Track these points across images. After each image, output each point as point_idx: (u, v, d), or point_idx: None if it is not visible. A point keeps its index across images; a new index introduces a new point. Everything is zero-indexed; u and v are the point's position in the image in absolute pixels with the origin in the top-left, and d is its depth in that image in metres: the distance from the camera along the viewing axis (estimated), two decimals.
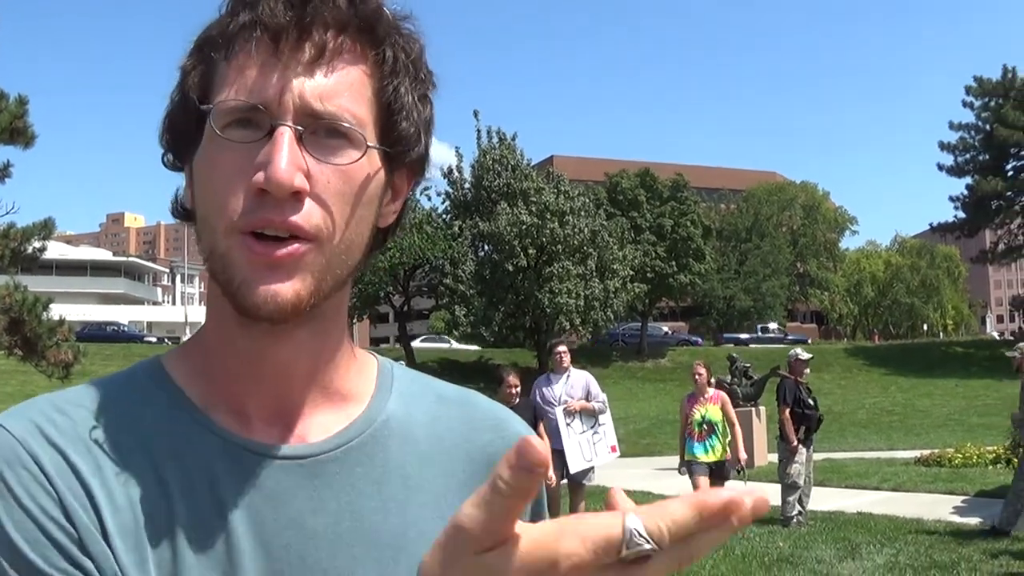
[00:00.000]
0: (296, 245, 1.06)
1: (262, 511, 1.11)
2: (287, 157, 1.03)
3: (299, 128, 1.05)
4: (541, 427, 11.45)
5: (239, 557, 1.08)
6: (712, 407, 12.73)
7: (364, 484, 1.17)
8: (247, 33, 1.08)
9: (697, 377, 12.93)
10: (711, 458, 12.58)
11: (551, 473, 11.01)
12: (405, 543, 1.16)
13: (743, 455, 12.98)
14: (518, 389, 11.44)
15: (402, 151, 1.16)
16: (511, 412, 1.36)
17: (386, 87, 1.13)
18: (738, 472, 12.79)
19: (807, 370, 14.25)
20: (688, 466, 12.83)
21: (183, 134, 1.13)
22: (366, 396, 1.24)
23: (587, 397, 12.52)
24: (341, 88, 1.09)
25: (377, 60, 1.12)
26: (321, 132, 1.07)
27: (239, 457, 1.13)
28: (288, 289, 1.06)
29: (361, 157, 1.09)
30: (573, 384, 12.52)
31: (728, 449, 12.74)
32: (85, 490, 1.05)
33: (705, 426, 12.62)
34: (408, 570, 1.14)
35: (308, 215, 1.06)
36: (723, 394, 13.13)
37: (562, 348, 12.84)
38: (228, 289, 1.08)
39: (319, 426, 1.18)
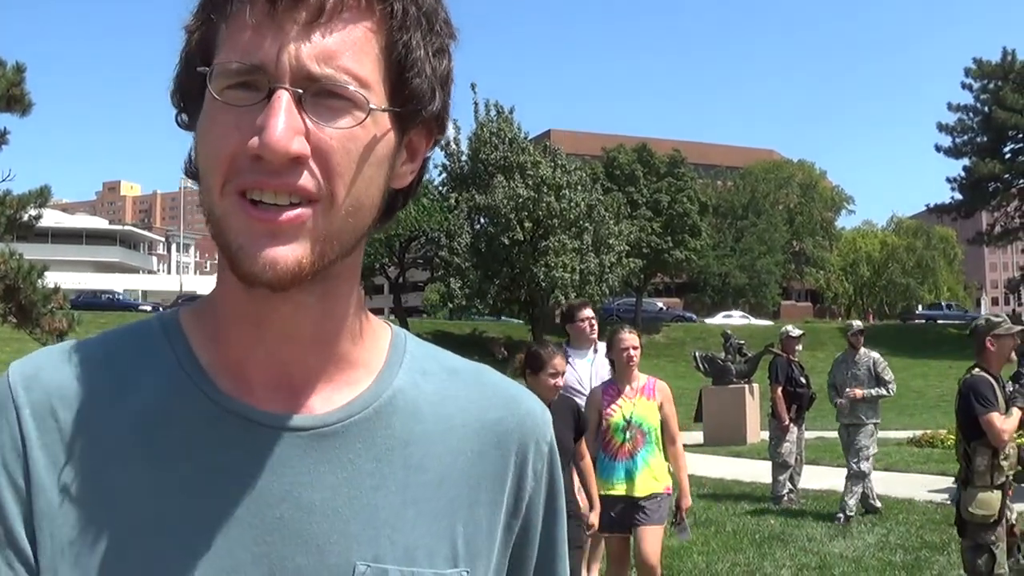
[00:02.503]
0: (299, 211, 1.02)
1: (257, 481, 1.10)
2: (284, 122, 0.99)
3: (298, 91, 1.01)
4: (583, 445, 7.27)
5: (229, 527, 1.07)
6: (644, 403, 7.65)
7: (363, 460, 1.14)
8: None
9: (628, 354, 7.65)
10: (632, 491, 7.49)
11: (593, 518, 7.39)
12: (403, 522, 1.13)
13: (687, 499, 7.94)
14: (563, 378, 7.01)
15: (414, 110, 1.11)
16: (524, 389, 1.32)
17: (396, 43, 1.07)
18: (674, 523, 7.94)
19: (799, 347, 14.23)
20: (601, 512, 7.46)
21: (190, 95, 1.10)
22: (376, 368, 1.21)
23: None
24: (342, 48, 1.03)
25: (385, 14, 1.07)
26: (323, 94, 1.03)
27: (236, 425, 1.11)
28: (288, 256, 1.02)
29: (365, 119, 1.04)
30: (605, 363, 8.46)
31: (664, 477, 7.68)
32: (64, 449, 1.09)
33: (632, 434, 7.53)
34: (405, 549, 1.13)
35: (308, 180, 1.02)
36: (664, 385, 7.93)
37: (588, 312, 8.97)
38: (226, 253, 1.05)
39: (324, 397, 1.16)
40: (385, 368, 1.21)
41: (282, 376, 1.15)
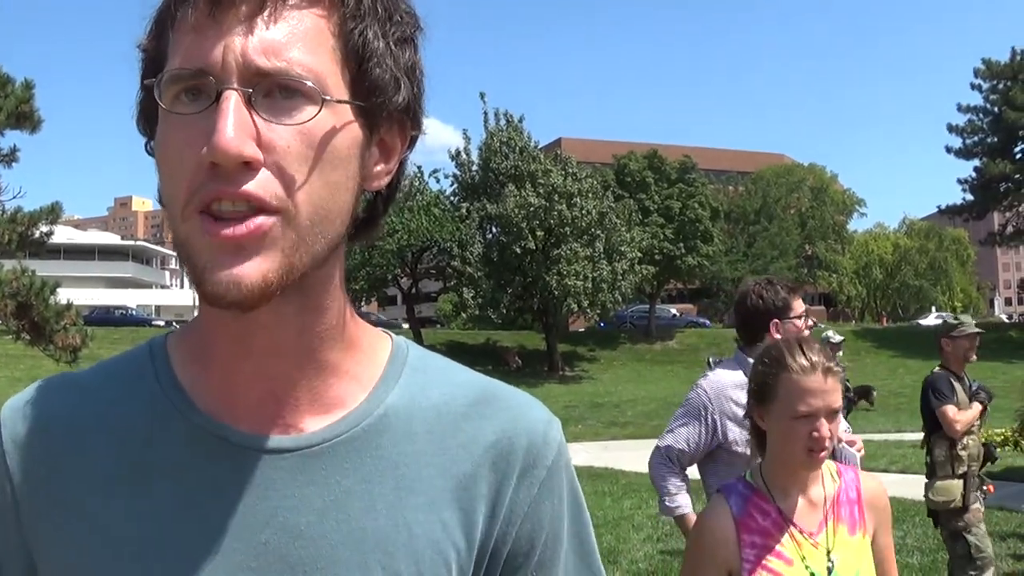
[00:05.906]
0: (260, 220, 0.96)
1: (240, 505, 1.06)
2: (232, 124, 0.93)
3: (247, 90, 0.96)
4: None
5: (213, 553, 1.05)
6: (847, 541, 2.80)
7: (352, 482, 1.10)
8: None
9: (813, 432, 2.67)
10: None
11: None
12: (394, 547, 1.09)
13: None
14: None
15: (378, 102, 1.05)
16: (535, 403, 1.24)
17: (351, 32, 1.02)
18: None
19: (839, 354, 14.11)
20: None
21: (152, 118, 1.06)
22: (370, 382, 1.16)
23: None
24: (290, 39, 0.98)
25: (335, 2, 1.02)
26: (275, 92, 0.97)
27: (218, 447, 1.08)
28: (253, 272, 0.96)
29: (319, 112, 0.98)
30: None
31: None
32: (47, 479, 1.10)
33: None
34: (395, 575, 1.09)
35: (266, 184, 0.96)
36: (877, 487, 2.97)
37: (801, 318, 4.66)
38: (192, 277, 0.99)
39: (311, 415, 1.11)
40: (380, 383, 1.17)
41: (267, 393, 1.10)
